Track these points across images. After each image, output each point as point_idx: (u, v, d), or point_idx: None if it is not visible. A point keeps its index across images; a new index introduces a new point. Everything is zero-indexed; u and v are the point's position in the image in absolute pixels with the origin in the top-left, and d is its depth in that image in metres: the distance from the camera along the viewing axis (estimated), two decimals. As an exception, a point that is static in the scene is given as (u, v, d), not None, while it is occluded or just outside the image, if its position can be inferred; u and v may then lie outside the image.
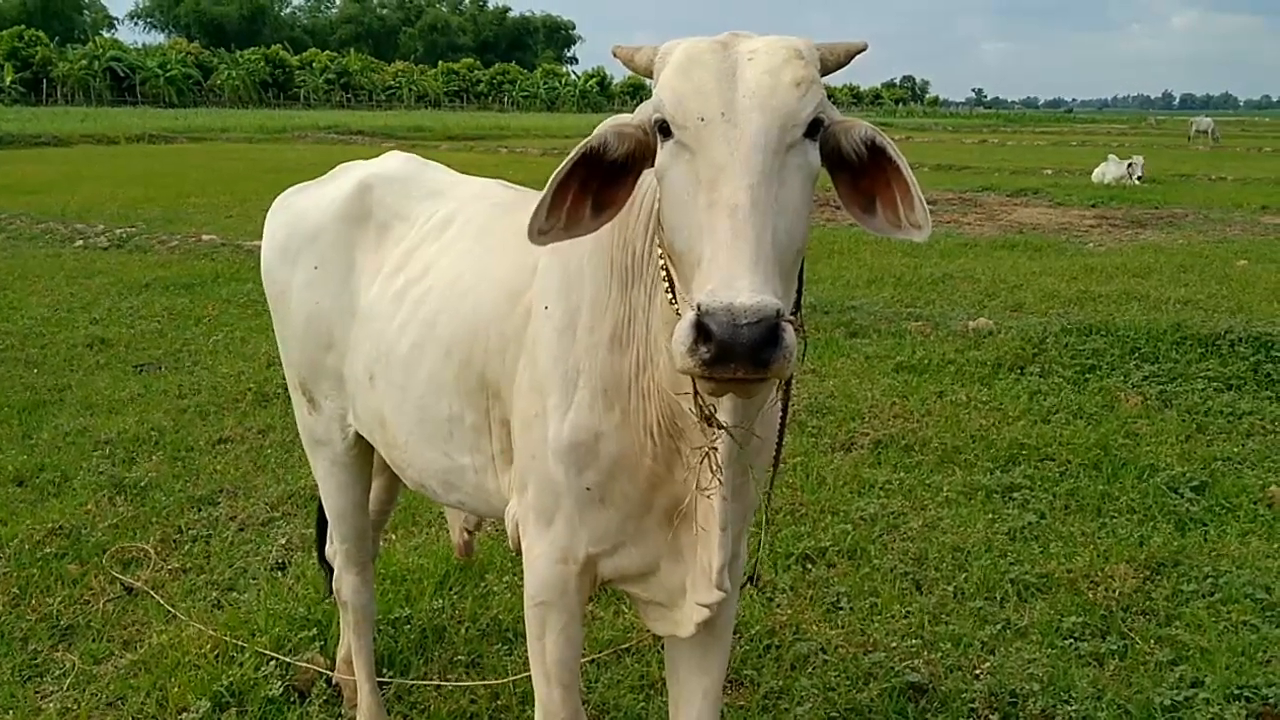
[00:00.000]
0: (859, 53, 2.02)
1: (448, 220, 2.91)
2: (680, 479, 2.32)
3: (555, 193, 1.96)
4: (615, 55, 2.11)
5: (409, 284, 2.84)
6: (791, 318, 1.73)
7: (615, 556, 2.44)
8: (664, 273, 2.03)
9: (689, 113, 1.81)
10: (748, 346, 1.60)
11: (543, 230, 1.98)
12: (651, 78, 1.97)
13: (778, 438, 2.32)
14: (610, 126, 1.97)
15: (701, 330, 1.62)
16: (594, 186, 2.02)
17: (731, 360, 1.62)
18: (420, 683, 3.84)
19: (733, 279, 1.64)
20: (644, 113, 1.96)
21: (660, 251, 2.04)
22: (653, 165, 1.94)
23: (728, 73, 1.82)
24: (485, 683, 3.80)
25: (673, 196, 1.85)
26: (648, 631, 3.95)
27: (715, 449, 2.14)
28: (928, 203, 1.93)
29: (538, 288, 2.44)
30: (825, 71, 1.95)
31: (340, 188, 3.13)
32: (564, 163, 1.95)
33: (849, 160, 1.97)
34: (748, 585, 2.66)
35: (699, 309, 1.63)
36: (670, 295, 2.02)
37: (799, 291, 2.02)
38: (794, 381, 2.22)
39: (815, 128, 1.86)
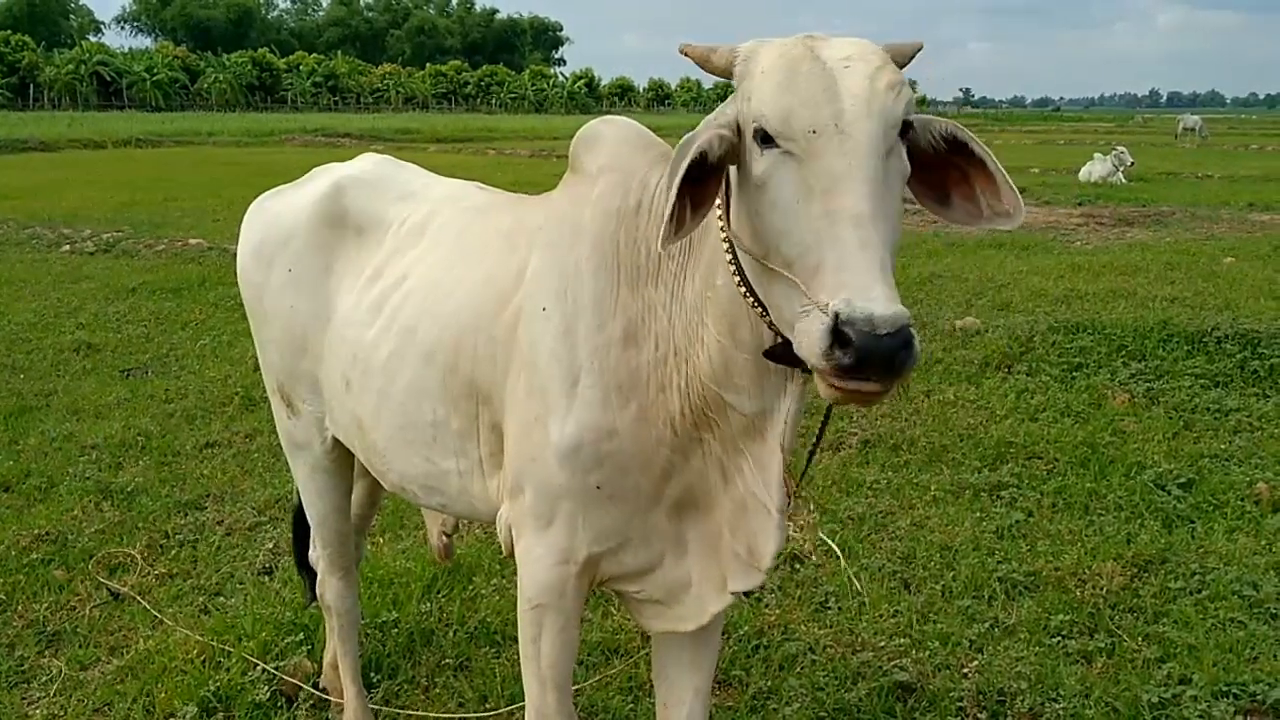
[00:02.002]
0: (918, 52, 2.06)
1: (423, 224, 2.89)
2: (696, 468, 2.33)
3: (678, 197, 1.92)
4: (685, 54, 2.07)
5: (387, 290, 2.82)
6: None
7: (619, 554, 2.43)
8: (733, 267, 2.04)
9: (797, 127, 1.81)
10: (886, 356, 1.65)
11: (667, 237, 1.95)
12: (730, 79, 1.97)
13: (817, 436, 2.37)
14: (713, 130, 1.94)
15: (839, 337, 1.66)
16: (685, 188, 2.00)
17: (868, 368, 1.66)
18: (421, 714, 3.83)
19: (867, 288, 1.68)
20: (726, 116, 1.95)
21: (724, 246, 2.07)
22: (733, 163, 1.95)
23: (829, 81, 1.83)
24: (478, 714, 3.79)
25: (778, 204, 1.85)
26: (638, 631, 3.95)
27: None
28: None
29: (531, 290, 2.43)
30: None
31: (313, 191, 3.11)
32: (678, 170, 1.89)
33: (924, 155, 1.99)
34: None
35: (837, 317, 1.66)
36: (744, 289, 2.03)
37: None
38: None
39: (906, 129, 1.89)
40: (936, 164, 2.01)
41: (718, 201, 2.05)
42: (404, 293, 2.78)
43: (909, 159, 1.96)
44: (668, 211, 1.87)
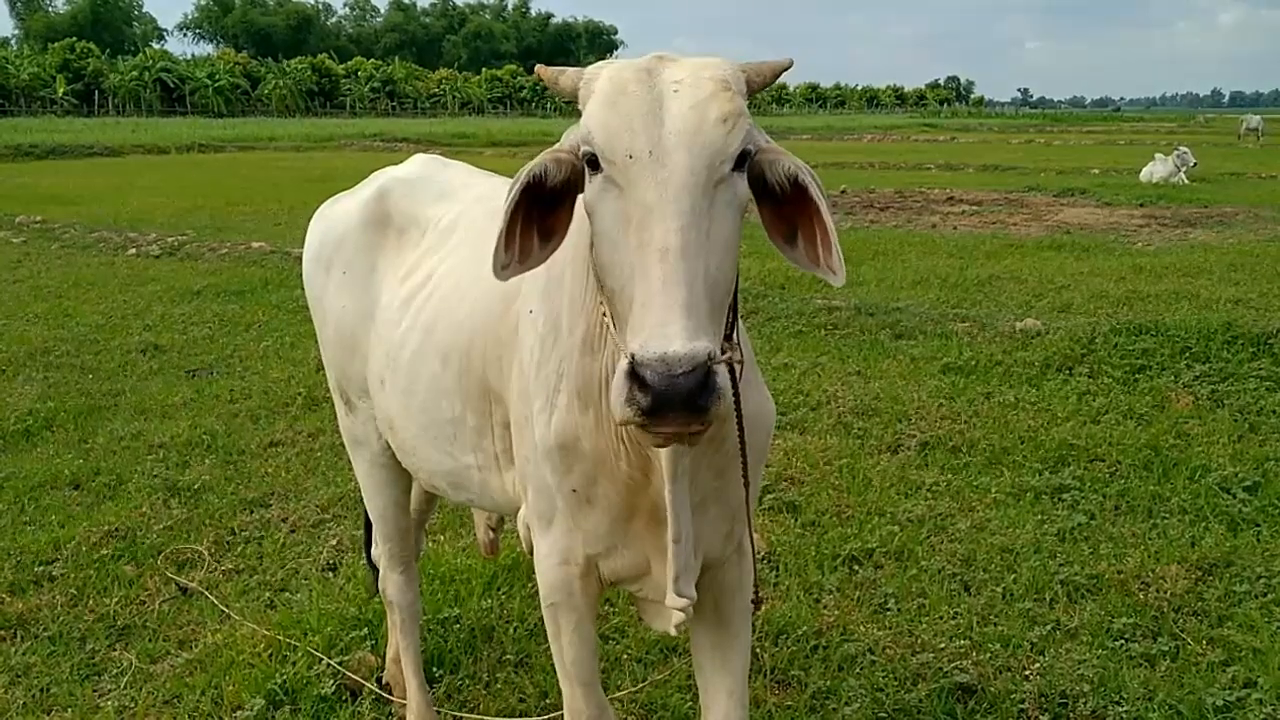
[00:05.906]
0: (785, 70, 2.01)
1: (452, 225, 2.97)
2: (656, 486, 2.28)
3: (509, 224, 1.95)
4: (539, 77, 2.07)
5: (414, 290, 2.91)
6: (723, 356, 1.72)
7: (610, 558, 2.45)
8: (603, 308, 1.99)
9: (617, 149, 1.78)
10: (684, 395, 1.62)
11: (504, 265, 1.98)
12: (577, 103, 1.94)
13: (742, 457, 2.22)
14: (548, 154, 1.97)
15: (637, 380, 1.63)
16: (536, 215, 2.02)
17: (669, 410, 1.63)
18: (479, 716, 3.87)
19: (665, 326, 1.65)
20: (572, 140, 1.94)
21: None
22: (584, 193, 1.92)
23: (654, 106, 1.80)
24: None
25: (604, 233, 1.82)
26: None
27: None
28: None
29: (525, 292, 2.47)
30: (752, 92, 1.93)
31: (363, 195, 3.23)
32: (512, 193, 1.93)
33: (773, 190, 1.95)
34: (754, 607, 2.62)
35: (633, 359, 1.64)
36: (609, 322, 1.96)
37: (733, 314, 2.01)
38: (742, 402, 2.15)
39: (742, 159, 1.84)
40: (786, 201, 1.96)
41: None
42: (428, 292, 2.87)
43: (761, 190, 1.93)
44: (501, 238, 1.88)
